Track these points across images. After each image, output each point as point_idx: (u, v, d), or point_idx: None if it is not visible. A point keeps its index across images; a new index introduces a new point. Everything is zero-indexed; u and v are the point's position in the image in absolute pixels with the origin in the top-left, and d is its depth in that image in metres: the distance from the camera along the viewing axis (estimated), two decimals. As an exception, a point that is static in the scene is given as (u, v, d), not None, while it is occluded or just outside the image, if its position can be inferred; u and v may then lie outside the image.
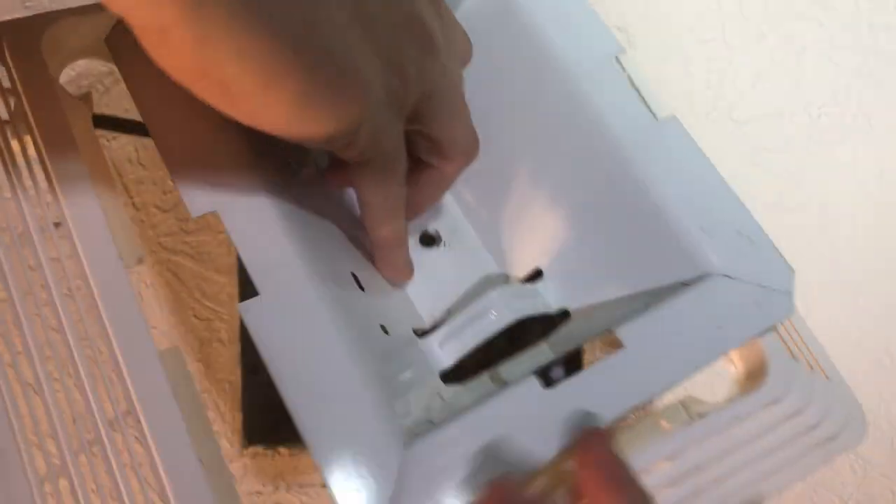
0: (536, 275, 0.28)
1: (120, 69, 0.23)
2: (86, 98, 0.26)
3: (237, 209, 0.22)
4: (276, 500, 0.41)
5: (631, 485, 0.19)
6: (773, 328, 0.24)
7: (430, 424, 0.23)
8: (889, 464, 0.46)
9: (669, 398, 0.25)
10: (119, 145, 0.44)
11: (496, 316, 0.25)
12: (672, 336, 0.22)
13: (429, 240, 0.29)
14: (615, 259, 0.26)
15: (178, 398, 0.21)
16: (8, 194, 0.22)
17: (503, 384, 0.27)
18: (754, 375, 0.25)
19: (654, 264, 0.24)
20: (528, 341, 0.27)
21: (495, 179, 0.28)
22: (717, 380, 0.26)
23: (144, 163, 0.44)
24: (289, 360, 0.20)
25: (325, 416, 0.20)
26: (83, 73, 0.43)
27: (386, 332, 0.25)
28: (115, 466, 0.20)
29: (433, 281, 0.29)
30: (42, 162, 0.22)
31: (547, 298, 0.27)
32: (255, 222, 0.21)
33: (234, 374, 0.42)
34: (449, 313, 0.28)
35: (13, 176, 0.23)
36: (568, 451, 0.20)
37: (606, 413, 0.21)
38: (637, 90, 0.25)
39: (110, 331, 0.21)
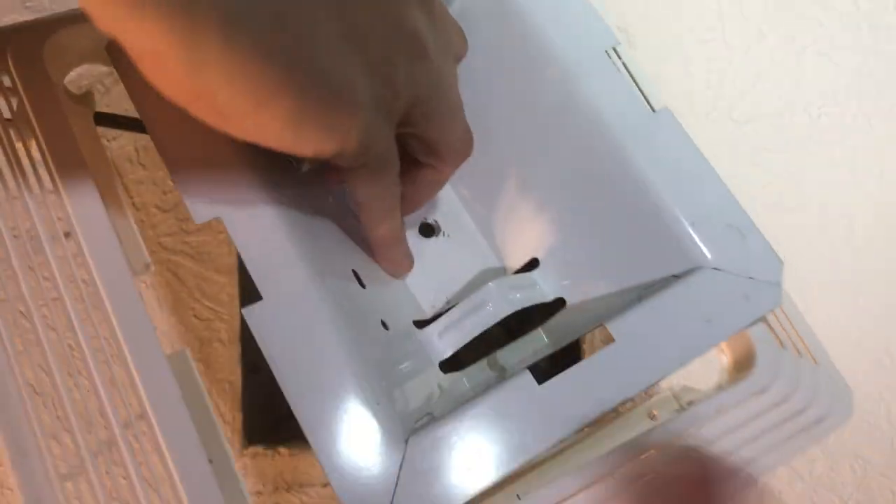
0: (532, 264, 0.28)
1: (121, 76, 0.24)
2: (87, 97, 0.27)
3: (239, 214, 0.22)
4: (275, 500, 0.41)
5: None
6: (762, 318, 0.25)
7: (429, 416, 0.23)
8: (889, 464, 0.46)
9: (661, 385, 0.25)
10: (119, 145, 0.44)
11: (493, 308, 0.25)
12: (662, 329, 0.23)
13: (428, 230, 0.30)
14: (608, 251, 0.26)
15: (186, 401, 0.21)
16: (20, 206, 0.23)
17: (501, 370, 0.27)
18: (742, 364, 0.25)
19: (645, 257, 0.25)
20: (525, 329, 0.28)
21: (492, 172, 0.29)
22: (707, 367, 0.26)
23: (144, 163, 0.44)
24: (292, 362, 0.21)
25: (327, 415, 0.20)
26: (84, 73, 0.43)
27: (386, 326, 0.26)
28: (130, 468, 0.21)
29: (433, 271, 0.29)
30: (49, 171, 0.23)
31: (543, 287, 0.27)
32: (257, 227, 0.22)
33: (234, 374, 0.42)
34: (449, 303, 0.28)
35: (22, 187, 0.23)
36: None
37: (598, 406, 0.22)
38: (632, 82, 0.25)
39: (121, 338, 0.22)
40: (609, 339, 0.22)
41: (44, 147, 0.23)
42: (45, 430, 0.21)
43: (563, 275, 0.27)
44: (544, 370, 0.23)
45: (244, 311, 0.21)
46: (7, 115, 0.24)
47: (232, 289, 0.42)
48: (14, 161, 0.23)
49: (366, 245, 0.27)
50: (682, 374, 0.23)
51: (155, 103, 0.23)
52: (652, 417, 0.26)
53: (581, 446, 0.26)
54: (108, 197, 0.24)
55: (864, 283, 0.47)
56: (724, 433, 0.24)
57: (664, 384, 0.25)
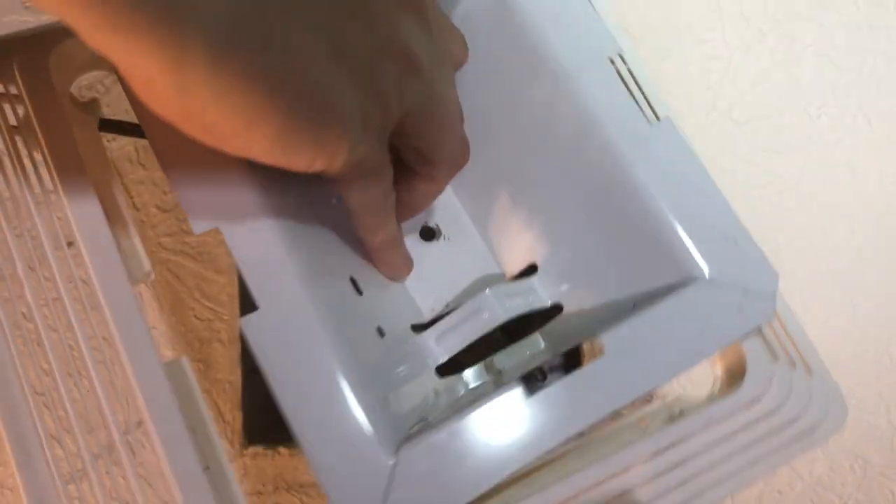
0: (531, 269, 0.28)
1: (121, 81, 0.24)
2: (93, 105, 0.27)
3: (238, 225, 0.22)
4: (275, 500, 0.41)
5: None
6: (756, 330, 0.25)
7: (423, 421, 0.24)
8: (889, 464, 0.46)
9: (654, 393, 0.25)
10: (119, 146, 0.44)
11: (490, 314, 0.26)
12: (652, 342, 0.23)
13: (429, 233, 0.30)
14: (604, 259, 0.26)
15: (183, 410, 0.22)
16: (26, 217, 0.23)
17: (498, 373, 0.27)
18: (734, 375, 0.26)
19: (641, 266, 0.25)
20: (523, 333, 0.28)
21: (492, 177, 0.29)
22: (702, 374, 0.27)
23: (144, 163, 0.44)
24: (287, 372, 0.21)
25: (320, 424, 0.21)
26: (87, 76, 0.43)
27: (383, 332, 0.26)
28: (129, 475, 0.22)
29: (433, 275, 0.29)
30: (52, 180, 0.24)
31: (541, 292, 0.28)
32: (255, 238, 0.22)
33: (234, 374, 0.42)
34: (448, 306, 0.28)
35: (27, 195, 0.24)
36: None
37: (587, 417, 0.22)
38: (632, 90, 0.25)
39: (120, 346, 0.22)
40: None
41: (47, 156, 0.24)
42: (49, 432, 0.22)
43: (561, 281, 0.27)
44: (548, 372, 0.23)
45: (241, 320, 0.22)
46: (14, 122, 0.24)
47: (232, 289, 0.43)
48: (20, 169, 0.24)
49: (365, 249, 0.27)
50: (676, 380, 0.23)
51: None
52: (643, 427, 0.26)
53: (572, 455, 0.26)
54: (110, 205, 0.24)
55: (864, 282, 0.47)
56: (711, 444, 0.24)
57: (657, 391, 0.25)
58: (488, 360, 0.28)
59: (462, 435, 0.21)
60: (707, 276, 0.23)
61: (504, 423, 0.22)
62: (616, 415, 0.23)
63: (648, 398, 0.27)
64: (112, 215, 0.24)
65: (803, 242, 0.47)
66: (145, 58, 0.16)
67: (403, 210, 0.26)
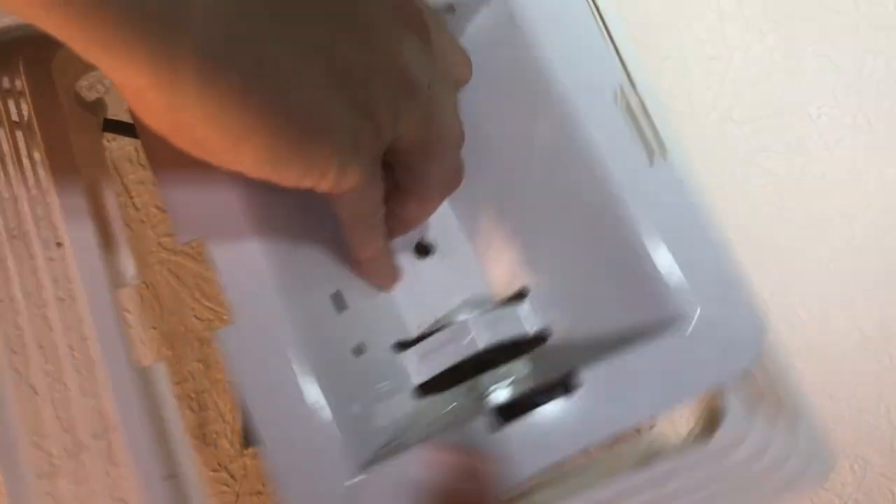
0: (522, 294, 0.28)
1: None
2: (98, 104, 0.27)
3: (222, 236, 0.22)
4: (275, 501, 0.41)
5: None
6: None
7: (396, 442, 0.24)
8: (889, 464, 0.46)
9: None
10: (119, 146, 0.44)
11: (469, 342, 0.26)
12: (631, 382, 0.22)
13: (423, 249, 0.30)
14: (594, 291, 0.26)
15: (151, 416, 0.22)
16: (24, 219, 0.24)
17: (479, 396, 0.27)
18: (713, 418, 0.25)
19: (630, 303, 0.25)
20: (507, 358, 0.28)
21: (488, 198, 0.29)
22: (678, 413, 0.26)
23: (144, 163, 0.44)
24: (260, 389, 0.22)
25: (290, 440, 0.22)
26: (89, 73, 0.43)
27: (366, 349, 0.26)
28: (91, 480, 0.22)
29: (424, 291, 0.29)
30: (48, 178, 0.24)
31: (527, 321, 0.28)
32: (238, 250, 0.22)
33: (234, 374, 0.41)
34: (436, 323, 0.28)
35: (22, 190, 0.24)
36: None
37: (555, 454, 0.22)
38: (640, 122, 0.25)
39: (96, 351, 0.23)
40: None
41: (44, 155, 0.24)
42: (27, 427, 0.22)
43: (550, 307, 0.27)
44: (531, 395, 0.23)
45: (217, 333, 0.22)
46: (16, 119, 0.24)
47: (232, 289, 0.42)
48: (18, 166, 0.24)
49: (353, 259, 0.27)
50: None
51: None
52: (613, 468, 0.25)
53: (539, 490, 0.26)
54: (101, 208, 0.24)
55: (864, 282, 0.47)
56: (680, 491, 0.24)
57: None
58: (472, 381, 0.28)
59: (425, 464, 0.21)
60: (692, 318, 0.23)
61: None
62: (585, 451, 0.22)
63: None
64: (102, 218, 0.24)
65: (803, 242, 0.47)
66: (136, 72, 0.16)
67: (397, 225, 0.26)
